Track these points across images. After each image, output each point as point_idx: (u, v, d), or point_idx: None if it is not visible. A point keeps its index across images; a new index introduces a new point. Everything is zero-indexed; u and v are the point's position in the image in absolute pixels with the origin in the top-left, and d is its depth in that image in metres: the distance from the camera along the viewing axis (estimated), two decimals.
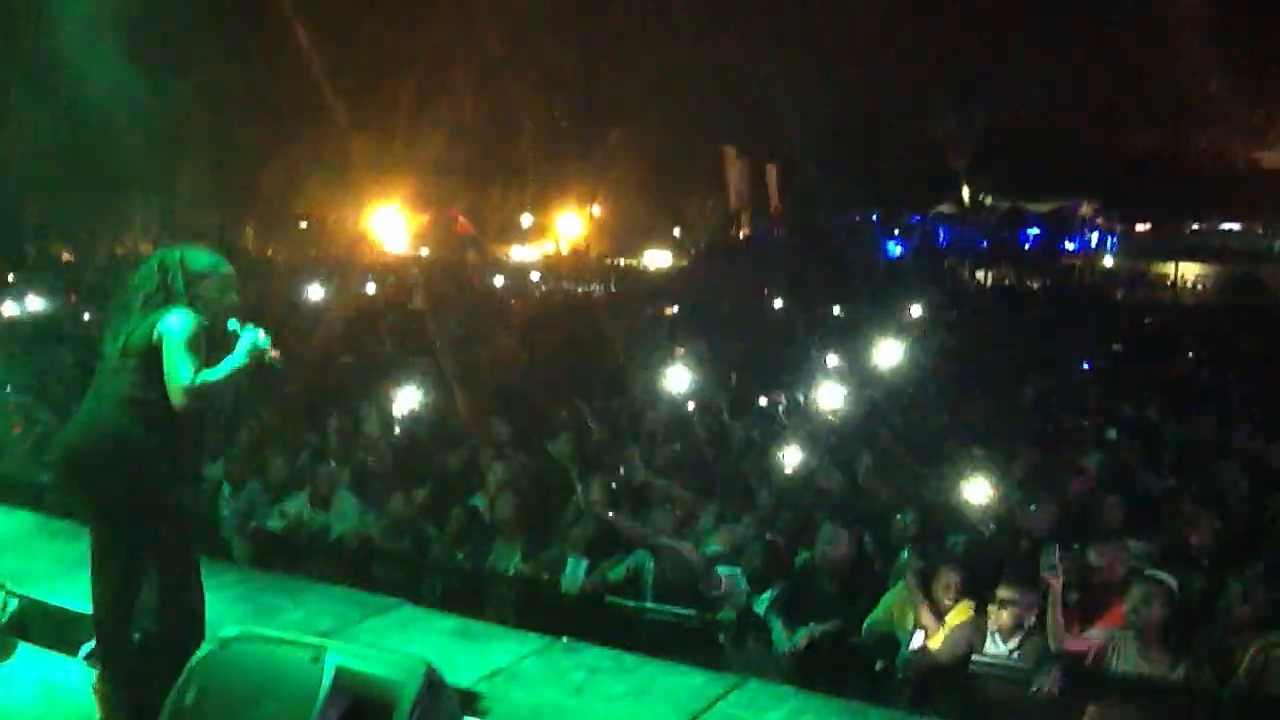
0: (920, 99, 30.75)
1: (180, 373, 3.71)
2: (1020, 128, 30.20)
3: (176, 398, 3.72)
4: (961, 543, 6.07)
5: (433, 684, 3.38)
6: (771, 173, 29.60)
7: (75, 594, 4.55)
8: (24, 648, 4.52)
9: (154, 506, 3.85)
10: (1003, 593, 5.06)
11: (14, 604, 4.74)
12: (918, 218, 32.88)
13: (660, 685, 4.29)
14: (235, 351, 3.82)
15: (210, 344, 3.82)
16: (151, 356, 3.76)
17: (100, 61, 19.17)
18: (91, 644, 4.06)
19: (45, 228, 28.13)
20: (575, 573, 6.02)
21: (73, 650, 4.28)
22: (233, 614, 4.46)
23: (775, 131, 28.38)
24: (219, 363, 3.79)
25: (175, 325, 3.75)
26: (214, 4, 23.22)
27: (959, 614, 5.22)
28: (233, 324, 3.89)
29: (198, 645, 3.65)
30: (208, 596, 5.08)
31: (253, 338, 3.84)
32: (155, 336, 3.76)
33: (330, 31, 26.00)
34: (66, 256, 28.38)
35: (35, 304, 14.12)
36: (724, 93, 27.70)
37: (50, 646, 4.43)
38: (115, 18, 18.58)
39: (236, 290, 4.06)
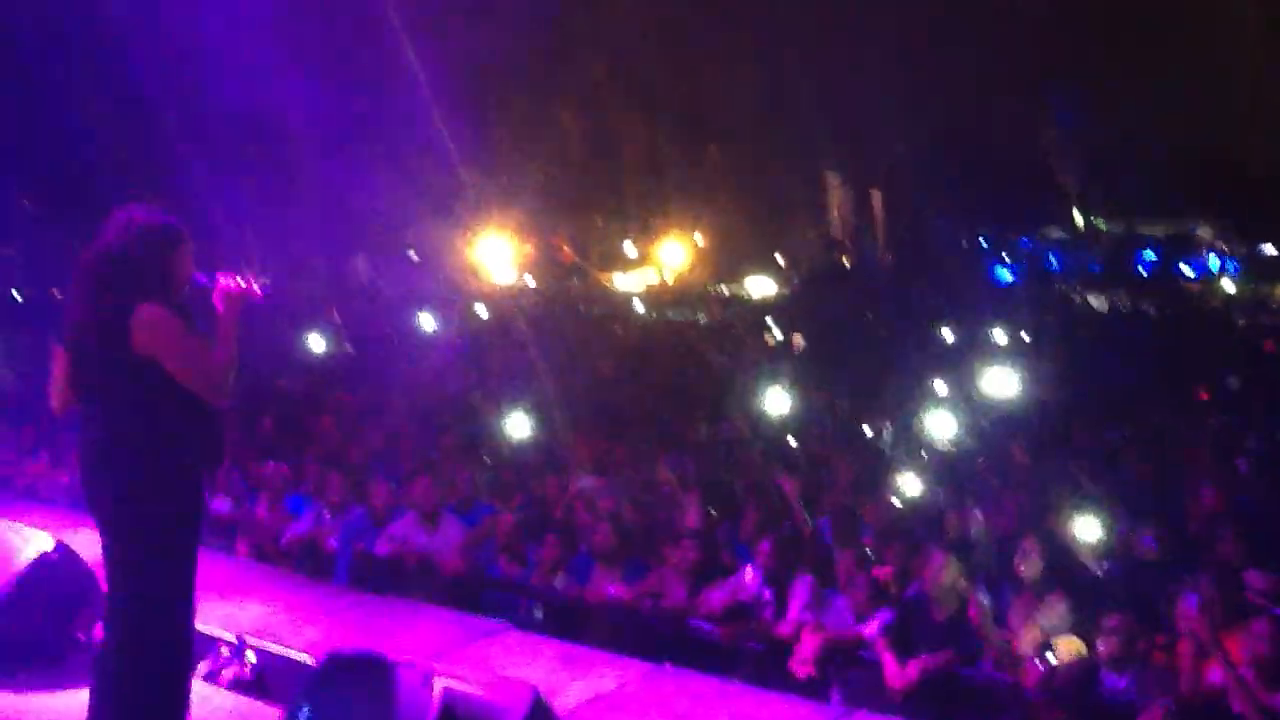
0: (1029, 120, 30.16)
1: (198, 373, 3.53)
2: (1133, 147, 29.40)
3: (212, 395, 3.56)
4: (1074, 572, 5.91)
5: (539, 710, 3.41)
6: (876, 197, 29.32)
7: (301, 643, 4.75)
8: None
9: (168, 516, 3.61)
10: (1111, 621, 4.92)
11: (254, 658, 4.83)
12: (1027, 241, 32.20)
13: (764, 715, 4.25)
14: (220, 311, 3.65)
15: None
16: (139, 366, 3.49)
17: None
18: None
19: None
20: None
21: None
22: (343, 636, 4.56)
23: (878, 156, 28.14)
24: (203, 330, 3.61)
25: (159, 331, 3.48)
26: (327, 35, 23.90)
27: (1069, 645, 5.08)
28: (201, 279, 3.69)
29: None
30: (321, 619, 5.25)
31: (226, 285, 3.67)
32: (139, 349, 3.47)
33: (434, 60, 26.60)
34: None
35: None
36: (826, 117, 27.55)
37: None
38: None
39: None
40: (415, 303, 22.86)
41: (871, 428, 9.64)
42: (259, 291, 3.71)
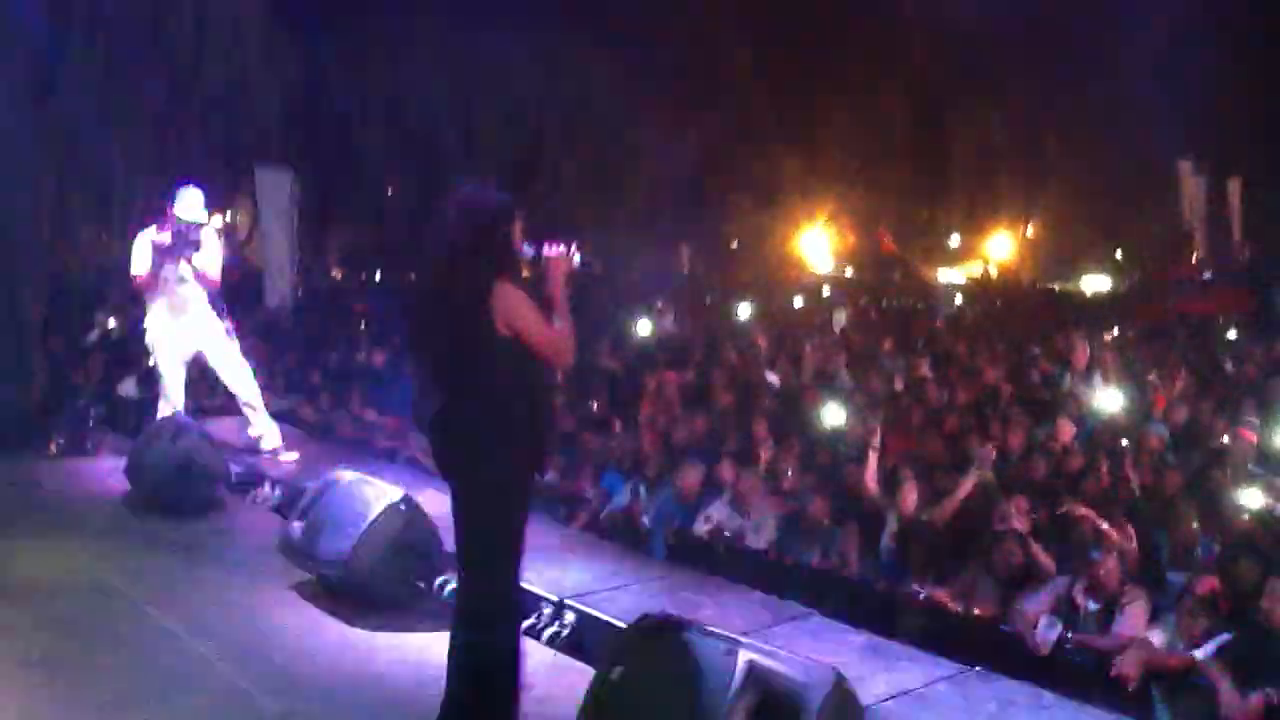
0: None
1: (550, 342, 3.78)
2: None
3: (561, 359, 3.88)
4: None
5: (842, 693, 3.41)
6: (1235, 188, 26.76)
7: (616, 610, 5.02)
8: None
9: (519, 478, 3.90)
10: None
11: (572, 619, 5.16)
12: None
13: None
14: (549, 280, 3.91)
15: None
16: (500, 342, 3.73)
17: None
18: None
19: None
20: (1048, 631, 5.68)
21: None
22: (655, 606, 4.73)
23: (1239, 142, 25.67)
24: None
25: (516, 308, 3.72)
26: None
27: None
28: (528, 248, 3.93)
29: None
30: (636, 589, 5.48)
31: (553, 255, 3.94)
32: (502, 327, 3.71)
33: (760, 51, 26.79)
34: None
35: None
36: (1180, 99, 25.45)
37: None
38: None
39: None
40: (735, 291, 23.27)
41: (1212, 436, 8.85)
42: (578, 260, 3.97)
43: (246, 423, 8.15)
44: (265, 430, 8.15)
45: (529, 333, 3.76)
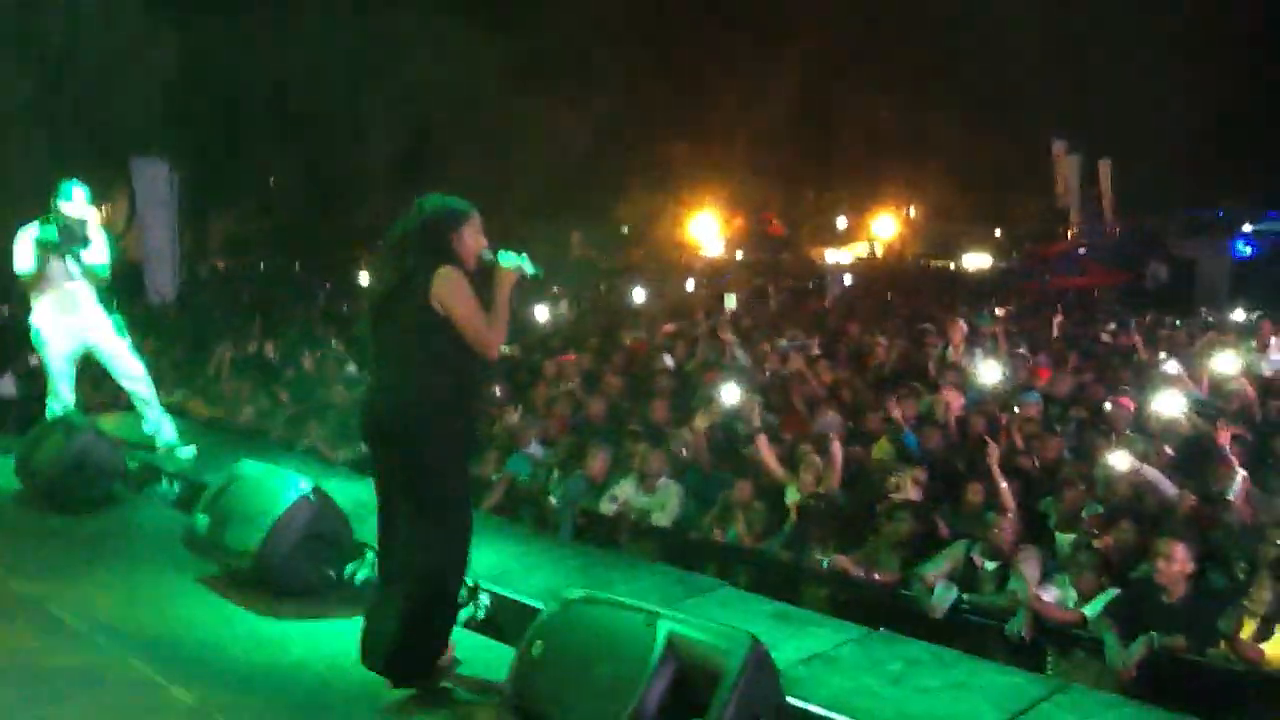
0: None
1: (480, 329, 4.06)
2: None
3: (488, 350, 4.12)
4: None
5: (758, 656, 3.53)
6: (1105, 169, 27.86)
7: (530, 589, 5.12)
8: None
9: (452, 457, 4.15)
10: None
11: (486, 601, 5.19)
12: (1275, 214, 29.93)
13: (979, 682, 4.24)
14: (497, 283, 4.21)
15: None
16: (434, 321, 4.04)
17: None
18: None
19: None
20: (944, 596, 5.91)
21: None
22: (571, 584, 4.80)
23: (1110, 125, 26.75)
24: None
25: (451, 287, 4.03)
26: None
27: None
28: (485, 254, 4.24)
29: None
30: (548, 569, 5.55)
31: (509, 261, 4.24)
32: (434, 304, 4.02)
33: (645, 38, 26.90)
34: None
35: None
36: (1053, 83, 26.39)
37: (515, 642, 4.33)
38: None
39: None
40: (627, 275, 23.40)
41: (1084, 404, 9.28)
42: (530, 272, 4.30)
43: (140, 417, 7.96)
44: (159, 425, 7.97)
45: (459, 316, 4.05)
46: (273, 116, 21.73)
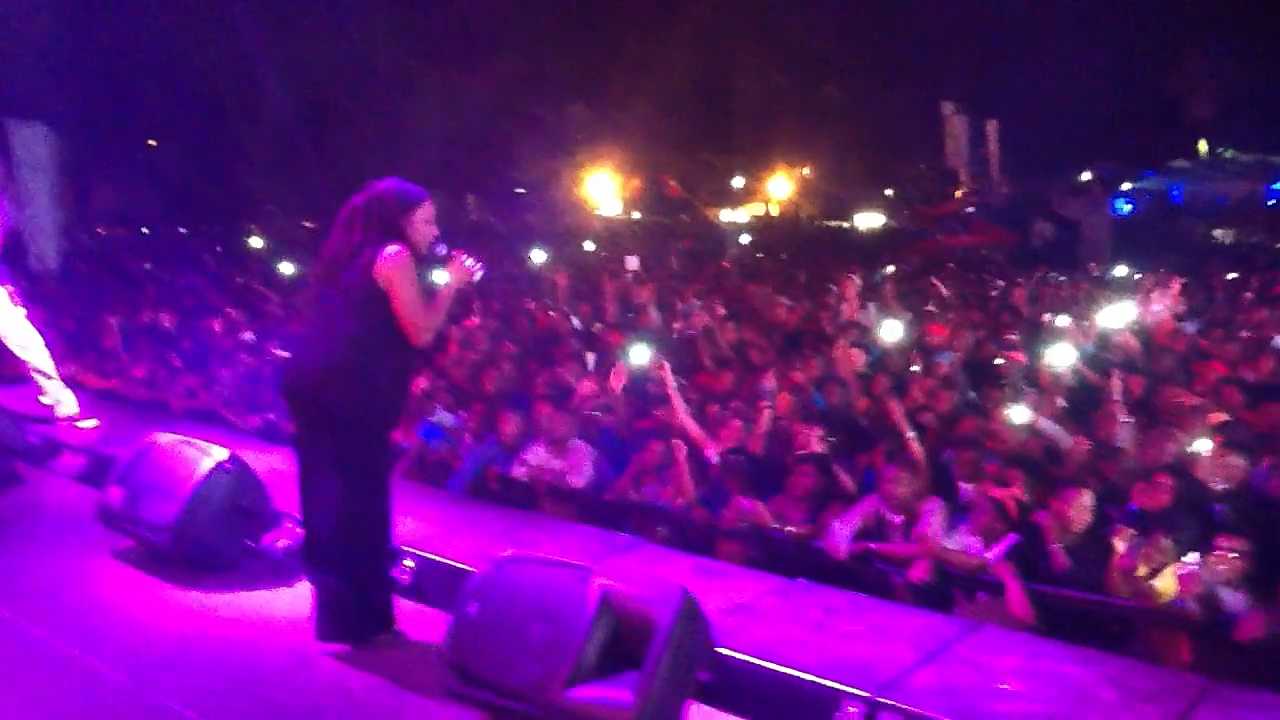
0: (1157, 48, 29.07)
1: (414, 313, 4.15)
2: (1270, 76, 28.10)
3: (417, 336, 4.19)
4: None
5: (689, 607, 3.65)
6: (992, 129, 28.61)
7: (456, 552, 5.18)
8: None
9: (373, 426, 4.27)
10: (1230, 543, 5.02)
11: (411, 564, 5.20)
12: (1152, 174, 31.14)
13: (896, 626, 4.45)
14: (448, 276, 4.33)
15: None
16: (373, 294, 4.13)
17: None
18: None
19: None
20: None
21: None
22: (492, 547, 4.85)
23: (996, 86, 27.44)
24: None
25: (397, 267, 4.12)
26: None
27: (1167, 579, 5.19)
28: (439, 248, 4.34)
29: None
30: (470, 532, 5.59)
31: (466, 264, 4.36)
32: (378, 278, 4.11)
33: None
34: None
35: None
36: (941, 46, 26.92)
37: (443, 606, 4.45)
38: None
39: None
40: (525, 238, 23.30)
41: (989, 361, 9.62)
42: (480, 273, 4.43)
43: (39, 390, 7.72)
44: (59, 397, 7.76)
45: (399, 297, 4.13)
46: (159, 84, 21.02)
